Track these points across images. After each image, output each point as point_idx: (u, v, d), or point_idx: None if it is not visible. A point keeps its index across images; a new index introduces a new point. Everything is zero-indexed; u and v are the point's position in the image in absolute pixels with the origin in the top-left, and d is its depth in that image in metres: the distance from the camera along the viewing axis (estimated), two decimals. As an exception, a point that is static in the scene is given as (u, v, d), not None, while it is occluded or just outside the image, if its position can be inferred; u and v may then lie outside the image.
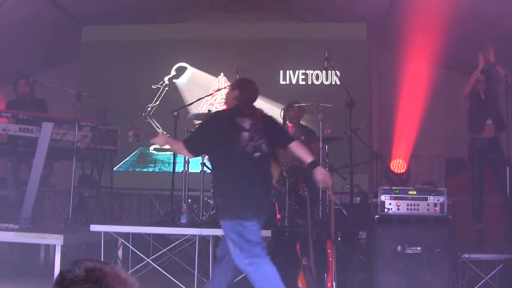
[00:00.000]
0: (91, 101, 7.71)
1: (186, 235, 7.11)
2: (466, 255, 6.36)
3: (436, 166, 10.18)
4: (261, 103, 10.03)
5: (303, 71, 10.57)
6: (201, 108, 9.93)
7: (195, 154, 5.47)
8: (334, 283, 5.74)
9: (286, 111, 7.79)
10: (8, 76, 8.70)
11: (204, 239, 6.94)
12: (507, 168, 7.05)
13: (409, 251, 5.88)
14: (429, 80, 9.59)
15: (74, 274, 1.68)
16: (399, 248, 5.87)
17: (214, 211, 7.36)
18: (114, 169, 9.10)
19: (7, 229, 6.73)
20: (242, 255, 4.83)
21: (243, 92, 5.22)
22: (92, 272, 1.68)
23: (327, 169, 7.35)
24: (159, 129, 10.25)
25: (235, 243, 4.85)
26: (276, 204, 6.88)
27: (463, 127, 7.50)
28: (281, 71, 10.63)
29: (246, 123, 5.03)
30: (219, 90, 9.84)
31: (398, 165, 9.13)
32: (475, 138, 7.33)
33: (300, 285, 5.67)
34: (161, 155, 10.52)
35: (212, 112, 5.34)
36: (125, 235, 7.06)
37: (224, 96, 5.37)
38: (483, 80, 7.26)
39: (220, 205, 5.12)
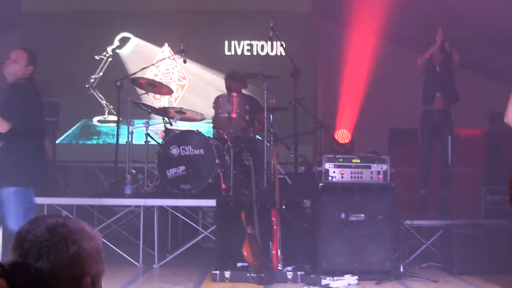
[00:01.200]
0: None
1: (131, 206, 7.06)
2: (408, 222, 6.51)
3: (380, 138, 10.30)
4: (207, 74, 10.27)
5: (248, 42, 10.50)
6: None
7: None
8: (279, 251, 5.80)
9: (227, 80, 7.83)
10: None
11: (148, 210, 6.90)
12: (449, 138, 7.32)
13: (352, 218, 5.97)
14: (373, 53, 9.67)
15: (35, 234, 1.51)
16: (342, 215, 5.96)
17: (158, 182, 7.32)
18: (56, 141, 8.94)
19: None
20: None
21: (35, 69, 5.35)
22: (55, 229, 1.52)
23: (271, 138, 7.39)
24: (103, 100, 10.06)
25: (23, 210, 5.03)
26: (221, 173, 6.88)
27: (407, 99, 7.68)
28: (226, 42, 10.53)
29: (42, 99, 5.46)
30: (163, 59, 9.73)
31: (342, 135, 9.22)
32: (426, 110, 7.57)
33: (245, 253, 5.72)
34: (105, 127, 10.33)
35: (20, 84, 5.21)
36: (69, 208, 6.97)
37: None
38: (438, 52, 7.45)
39: (22, 175, 5.10)
